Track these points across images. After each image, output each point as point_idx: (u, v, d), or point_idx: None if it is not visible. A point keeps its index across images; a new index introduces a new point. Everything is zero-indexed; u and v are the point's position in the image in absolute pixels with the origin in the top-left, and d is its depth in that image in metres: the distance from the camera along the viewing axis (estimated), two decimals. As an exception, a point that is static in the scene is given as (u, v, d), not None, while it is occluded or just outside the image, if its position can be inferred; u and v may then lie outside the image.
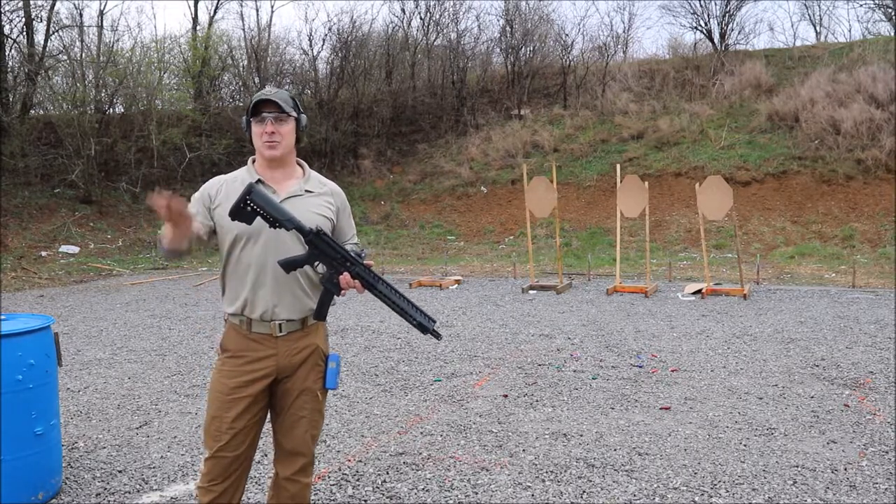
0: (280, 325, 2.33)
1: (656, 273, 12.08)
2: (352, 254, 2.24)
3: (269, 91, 2.34)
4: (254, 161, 2.43)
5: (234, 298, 2.35)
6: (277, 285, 2.30)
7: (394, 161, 21.16)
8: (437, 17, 24.10)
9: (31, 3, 18.18)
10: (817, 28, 25.91)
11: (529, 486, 3.45)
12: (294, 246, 2.29)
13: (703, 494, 3.33)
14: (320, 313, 2.33)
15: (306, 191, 2.40)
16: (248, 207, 2.14)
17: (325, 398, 2.50)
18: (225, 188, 2.37)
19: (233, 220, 2.17)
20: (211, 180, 2.43)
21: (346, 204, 2.52)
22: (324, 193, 2.44)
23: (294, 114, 2.35)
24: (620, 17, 41.00)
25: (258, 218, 2.17)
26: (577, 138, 19.53)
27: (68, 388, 5.33)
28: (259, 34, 23.48)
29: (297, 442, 2.41)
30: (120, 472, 3.71)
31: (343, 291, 2.27)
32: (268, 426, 2.48)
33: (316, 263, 2.26)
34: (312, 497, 3.29)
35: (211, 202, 2.36)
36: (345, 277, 2.23)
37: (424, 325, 2.27)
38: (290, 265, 2.25)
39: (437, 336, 2.33)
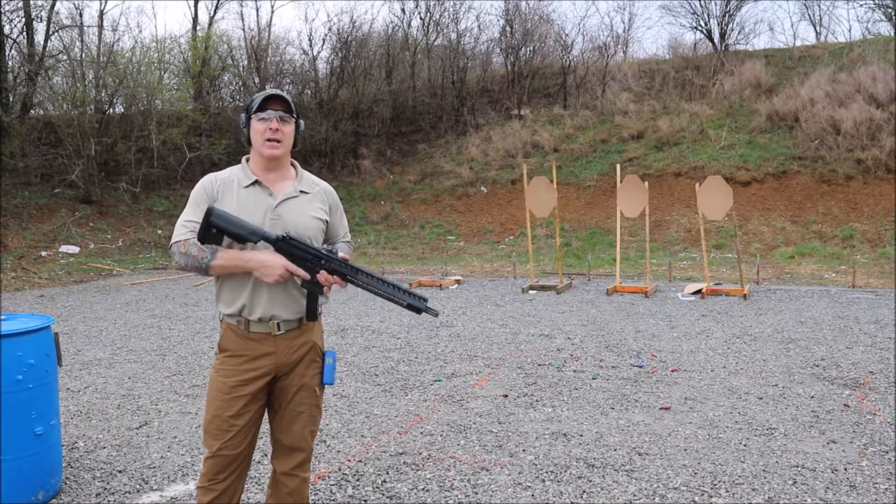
0: (278, 324, 2.34)
1: (656, 273, 12.08)
2: (323, 251, 2.25)
3: (276, 89, 2.37)
4: (248, 160, 2.43)
5: (231, 300, 2.35)
6: (274, 287, 2.31)
7: (394, 161, 21.15)
8: (437, 17, 24.13)
9: (31, 3, 18.18)
10: (817, 28, 25.95)
11: (529, 486, 3.45)
12: None
13: (703, 494, 3.33)
14: (311, 314, 2.36)
15: (301, 192, 2.42)
16: (212, 230, 2.17)
17: (323, 394, 2.52)
18: (222, 188, 2.36)
19: (202, 243, 2.22)
20: (207, 178, 2.40)
21: (337, 203, 2.54)
22: (317, 193, 2.46)
23: (296, 116, 2.39)
24: (620, 17, 41.16)
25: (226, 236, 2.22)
26: (577, 138, 19.53)
27: (68, 388, 5.33)
28: (259, 34, 23.50)
29: (296, 437, 2.43)
30: (120, 472, 3.71)
31: (326, 290, 2.28)
32: (265, 425, 2.48)
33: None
34: (312, 497, 3.29)
35: (213, 202, 2.35)
36: (322, 275, 2.25)
37: (416, 304, 2.24)
38: None
39: (434, 313, 2.29)
